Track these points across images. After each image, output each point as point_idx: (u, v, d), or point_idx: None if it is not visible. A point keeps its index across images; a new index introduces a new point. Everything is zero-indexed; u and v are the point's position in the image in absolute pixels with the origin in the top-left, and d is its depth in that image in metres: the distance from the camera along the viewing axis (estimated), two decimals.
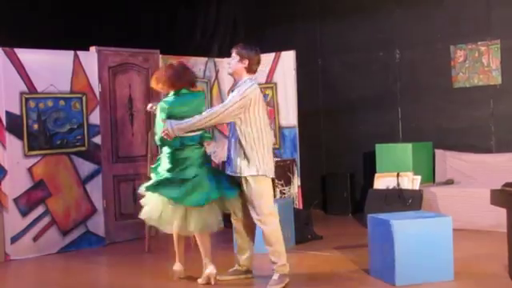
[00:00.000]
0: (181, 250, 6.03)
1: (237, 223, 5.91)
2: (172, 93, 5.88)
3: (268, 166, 5.64)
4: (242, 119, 5.56)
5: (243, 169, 5.57)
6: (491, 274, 5.70)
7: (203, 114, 5.62)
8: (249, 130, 5.56)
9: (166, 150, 5.79)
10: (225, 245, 6.90)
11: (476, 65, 8.66)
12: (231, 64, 5.76)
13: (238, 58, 5.70)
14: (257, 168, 5.56)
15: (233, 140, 5.65)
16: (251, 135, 5.56)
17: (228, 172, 5.74)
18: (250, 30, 10.51)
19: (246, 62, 5.69)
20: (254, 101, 5.58)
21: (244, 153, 5.56)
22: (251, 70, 5.74)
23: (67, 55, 7.79)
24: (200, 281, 5.79)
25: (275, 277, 5.61)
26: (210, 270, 5.75)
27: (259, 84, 8.98)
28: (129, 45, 8.49)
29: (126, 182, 8.30)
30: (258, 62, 5.81)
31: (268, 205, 5.64)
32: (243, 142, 5.57)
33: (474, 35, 8.67)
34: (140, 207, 5.87)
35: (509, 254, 3.20)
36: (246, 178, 5.59)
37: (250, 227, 5.87)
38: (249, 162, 5.56)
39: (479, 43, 8.62)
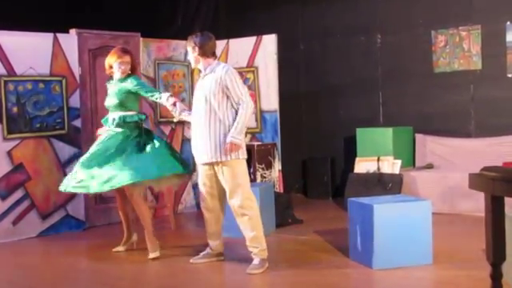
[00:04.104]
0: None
1: (205, 210, 5.91)
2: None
3: (243, 148, 5.66)
4: (226, 101, 5.58)
5: (222, 154, 5.56)
6: (469, 257, 5.75)
7: (242, 112, 5.53)
8: (228, 112, 5.57)
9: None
10: (198, 228, 6.91)
11: (457, 50, 8.69)
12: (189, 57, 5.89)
13: (190, 49, 5.77)
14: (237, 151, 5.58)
15: (208, 124, 5.62)
16: (230, 115, 5.57)
17: (203, 160, 5.72)
18: (232, 13, 10.48)
19: (197, 49, 5.71)
20: None
21: (222, 137, 5.56)
22: (206, 54, 5.72)
23: (47, 38, 7.71)
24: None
25: (256, 261, 5.62)
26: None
27: (240, 68, 9.00)
28: (109, 28, 8.42)
29: None
30: (212, 47, 5.77)
31: (248, 189, 5.67)
32: (222, 126, 5.57)
33: (455, 20, 8.70)
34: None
35: (486, 238, 3.23)
36: (223, 163, 5.59)
37: (221, 214, 5.90)
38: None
39: (460, 28, 8.65)
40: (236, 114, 5.56)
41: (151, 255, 6.14)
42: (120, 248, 6.61)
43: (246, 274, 5.51)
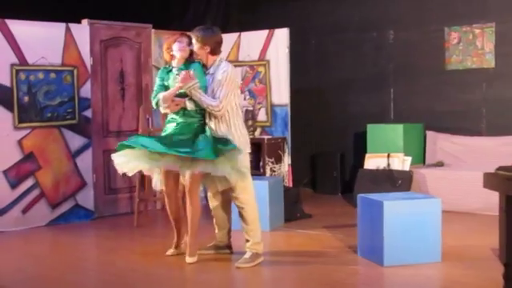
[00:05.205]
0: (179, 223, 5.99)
1: (212, 200, 5.95)
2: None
3: (246, 142, 5.67)
4: None
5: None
6: (478, 256, 5.73)
7: (209, 101, 5.50)
8: (229, 107, 5.57)
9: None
10: (205, 220, 6.89)
11: (470, 47, 8.64)
12: (195, 50, 5.68)
13: (198, 44, 5.63)
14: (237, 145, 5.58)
15: (210, 120, 5.64)
16: (231, 112, 5.59)
17: None
18: (244, 6, 10.45)
19: (208, 48, 5.62)
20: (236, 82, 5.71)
21: (221, 133, 5.57)
22: (215, 52, 5.67)
23: (59, 28, 7.71)
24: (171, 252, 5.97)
25: (247, 255, 5.65)
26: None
27: (252, 61, 8.98)
28: (121, 19, 8.42)
29: None
30: (219, 44, 5.70)
31: (247, 182, 5.67)
32: (223, 123, 5.58)
33: (469, 18, 8.64)
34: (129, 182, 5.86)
35: (500, 238, 3.21)
36: None
37: (226, 204, 5.92)
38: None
39: (474, 26, 8.60)
40: (233, 114, 5.60)
41: (189, 259, 5.70)
42: (173, 251, 6.02)
43: (236, 267, 5.55)
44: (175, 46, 5.71)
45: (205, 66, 5.71)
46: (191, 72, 5.57)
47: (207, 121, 5.66)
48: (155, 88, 5.80)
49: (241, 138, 5.62)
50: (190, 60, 5.74)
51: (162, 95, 5.66)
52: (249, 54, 8.97)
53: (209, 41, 5.61)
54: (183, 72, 5.57)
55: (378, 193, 6.26)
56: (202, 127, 5.67)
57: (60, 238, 7.09)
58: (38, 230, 7.38)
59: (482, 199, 7.38)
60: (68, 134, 7.77)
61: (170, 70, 5.77)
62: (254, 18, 10.07)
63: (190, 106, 5.60)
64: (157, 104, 5.73)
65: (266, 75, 8.92)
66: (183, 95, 5.61)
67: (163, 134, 5.76)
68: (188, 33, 5.78)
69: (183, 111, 5.65)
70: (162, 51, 6.05)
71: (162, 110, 5.79)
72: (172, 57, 5.77)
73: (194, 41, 5.66)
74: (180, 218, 5.98)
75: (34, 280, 5.40)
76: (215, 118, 5.58)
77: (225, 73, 5.56)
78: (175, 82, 5.65)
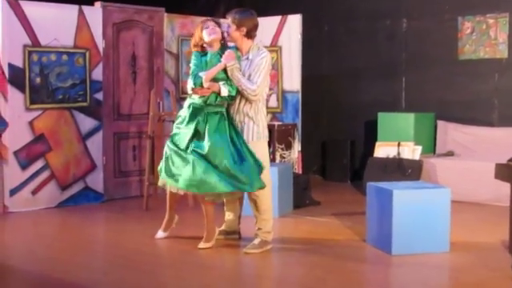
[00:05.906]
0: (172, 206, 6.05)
1: None
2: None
3: (266, 130, 5.68)
4: None
5: (249, 135, 5.56)
6: (486, 246, 5.73)
7: (248, 85, 5.45)
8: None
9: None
10: (215, 206, 6.92)
11: (483, 37, 8.59)
12: (230, 32, 5.62)
13: (234, 26, 5.58)
14: (259, 133, 5.58)
15: (238, 104, 5.61)
16: (261, 100, 5.59)
17: None
18: None
19: (244, 29, 5.57)
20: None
21: (249, 118, 5.56)
22: (250, 36, 5.62)
23: (72, 9, 7.72)
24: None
25: (256, 241, 5.64)
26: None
27: (264, 47, 8.92)
28: (134, 2, 8.41)
29: (127, 139, 8.30)
30: (256, 27, 5.66)
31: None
32: (249, 107, 5.57)
33: (483, 7, 8.59)
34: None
35: (510, 229, 3.20)
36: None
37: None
38: (252, 127, 5.56)
39: (487, 16, 8.55)
40: (263, 101, 5.61)
41: (206, 245, 5.70)
42: (162, 234, 6.08)
43: (244, 252, 5.57)
44: (205, 34, 5.59)
45: (239, 51, 5.62)
46: (233, 52, 5.53)
47: (238, 104, 5.58)
48: (193, 68, 5.57)
49: (264, 125, 5.63)
50: (223, 45, 5.64)
51: (203, 73, 5.49)
52: (261, 39, 8.91)
53: (246, 22, 5.55)
54: (228, 50, 5.53)
55: (387, 181, 6.26)
56: (226, 119, 5.56)
57: (69, 219, 7.12)
58: (48, 212, 7.42)
59: (492, 190, 7.36)
60: (79, 116, 7.79)
61: (205, 54, 5.63)
62: (267, 3, 10.03)
63: (224, 90, 5.48)
64: (195, 84, 5.50)
65: (278, 61, 8.90)
66: (217, 80, 5.52)
67: (185, 122, 5.57)
68: (217, 19, 5.77)
69: (215, 97, 5.51)
70: (190, 47, 5.84)
71: (190, 92, 5.58)
72: (204, 49, 5.64)
73: (230, 22, 5.58)
74: (176, 205, 6.04)
75: (42, 261, 5.43)
76: (246, 102, 5.54)
77: (264, 59, 5.53)
78: (211, 65, 5.54)
